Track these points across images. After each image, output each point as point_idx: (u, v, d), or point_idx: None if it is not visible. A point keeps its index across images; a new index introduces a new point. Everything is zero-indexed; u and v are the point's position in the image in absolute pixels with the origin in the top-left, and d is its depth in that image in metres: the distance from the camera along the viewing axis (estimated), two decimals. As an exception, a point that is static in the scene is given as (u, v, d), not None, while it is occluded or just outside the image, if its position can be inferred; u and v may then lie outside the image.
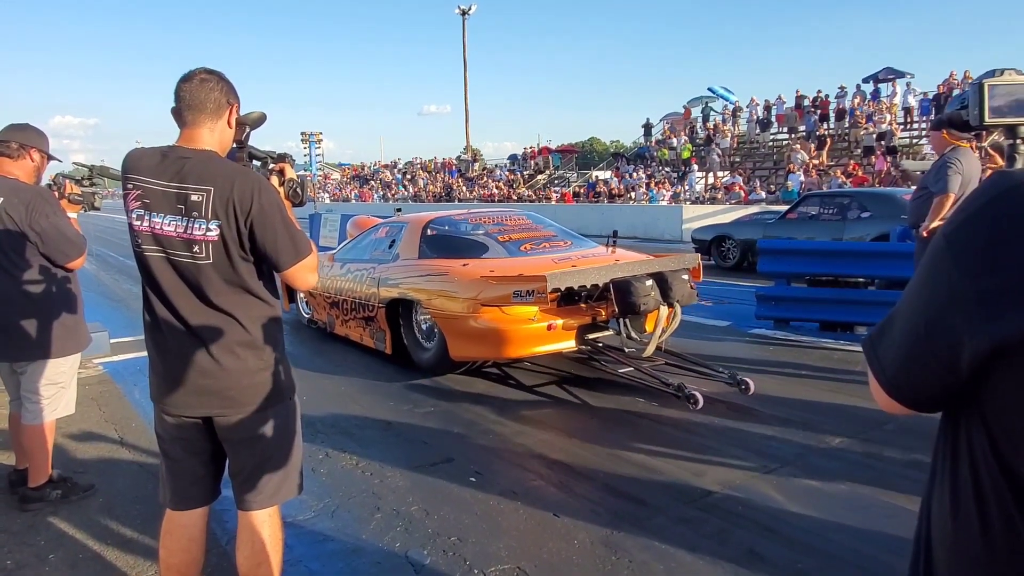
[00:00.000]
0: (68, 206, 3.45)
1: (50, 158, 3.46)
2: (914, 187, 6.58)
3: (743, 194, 21.57)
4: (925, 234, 5.16)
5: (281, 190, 2.24)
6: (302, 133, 28.25)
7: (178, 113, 2.07)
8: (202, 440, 2.15)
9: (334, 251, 7.16)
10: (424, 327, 5.53)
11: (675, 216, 19.35)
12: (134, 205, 2.01)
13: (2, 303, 3.15)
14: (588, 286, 4.73)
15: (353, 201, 39.57)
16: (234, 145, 2.23)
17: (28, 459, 3.42)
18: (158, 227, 1.98)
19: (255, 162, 2.37)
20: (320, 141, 30.83)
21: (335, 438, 4.23)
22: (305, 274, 2.12)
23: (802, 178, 21.28)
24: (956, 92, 23.23)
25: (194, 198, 1.96)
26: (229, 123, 2.13)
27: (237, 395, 2.06)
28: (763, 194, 21.60)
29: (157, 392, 2.13)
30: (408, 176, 40.56)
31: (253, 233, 1.98)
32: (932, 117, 23.87)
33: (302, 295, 7.43)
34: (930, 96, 23.95)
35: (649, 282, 4.71)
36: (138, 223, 2.00)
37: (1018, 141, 1.10)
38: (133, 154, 2.10)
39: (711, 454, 3.78)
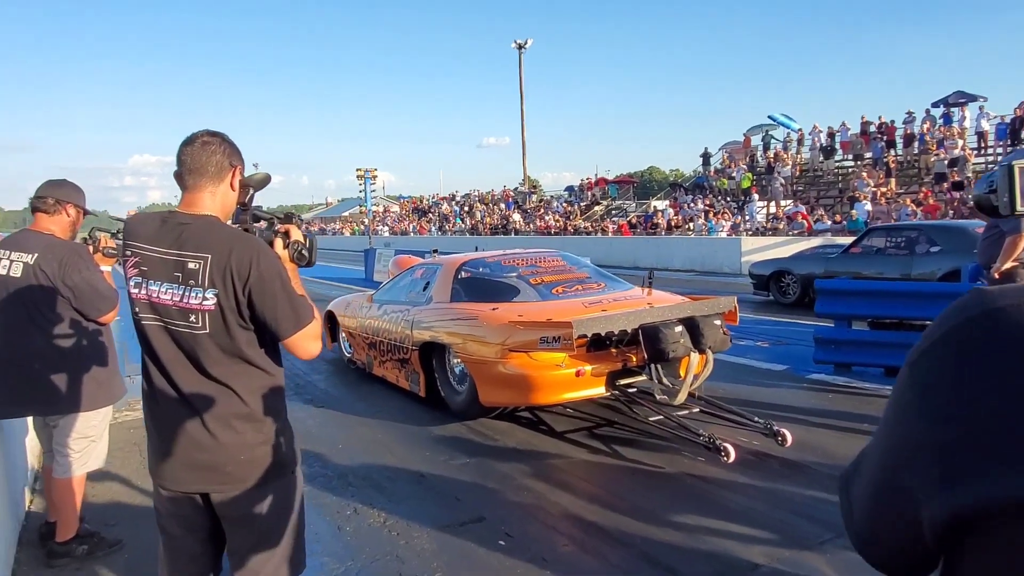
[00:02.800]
0: (102, 260, 3.48)
1: (86, 212, 3.51)
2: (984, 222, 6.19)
3: (807, 224, 20.90)
4: (997, 276, 4.80)
5: (285, 253, 2.16)
6: (357, 169, 28.67)
7: (179, 177, 2.03)
8: (199, 517, 2.06)
9: (374, 291, 7.16)
10: (457, 371, 5.44)
11: (734, 248, 18.87)
12: (132, 273, 1.97)
13: (34, 358, 3.17)
14: (617, 332, 4.56)
15: (411, 234, 40.16)
16: (238, 207, 2.17)
17: (57, 512, 3.42)
18: (155, 295, 1.93)
19: (260, 223, 2.30)
20: (375, 177, 31.33)
21: (366, 492, 4.12)
22: (307, 343, 2.03)
23: (868, 207, 20.54)
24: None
25: (191, 266, 1.90)
26: (232, 186, 2.07)
27: (234, 470, 1.97)
28: (828, 223, 20.88)
29: (153, 465, 2.05)
30: (466, 208, 40.94)
31: (252, 301, 1.91)
32: (1008, 142, 22.87)
33: (343, 333, 7.44)
34: (1007, 120, 22.88)
35: (679, 328, 4.52)
36: (136, 291, 1.96)
37: None
38: (133, 220, 2.06)
39: (758, 519, 3.51)
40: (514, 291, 5.48)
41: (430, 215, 43.57)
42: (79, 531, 3.41)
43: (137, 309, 1.97)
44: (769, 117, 30.50)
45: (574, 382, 4.61)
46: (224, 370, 1.95)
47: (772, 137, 30.35)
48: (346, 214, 63.09)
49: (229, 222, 2.10)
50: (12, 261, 3.17)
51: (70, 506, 3.37)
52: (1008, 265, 4.74)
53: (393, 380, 6.26)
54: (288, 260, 2.17)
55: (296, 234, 2.22)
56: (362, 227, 43.72)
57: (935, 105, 25.12)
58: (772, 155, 28.71)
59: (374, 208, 43.49)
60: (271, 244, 2.15)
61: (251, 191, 2.21)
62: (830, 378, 6.16)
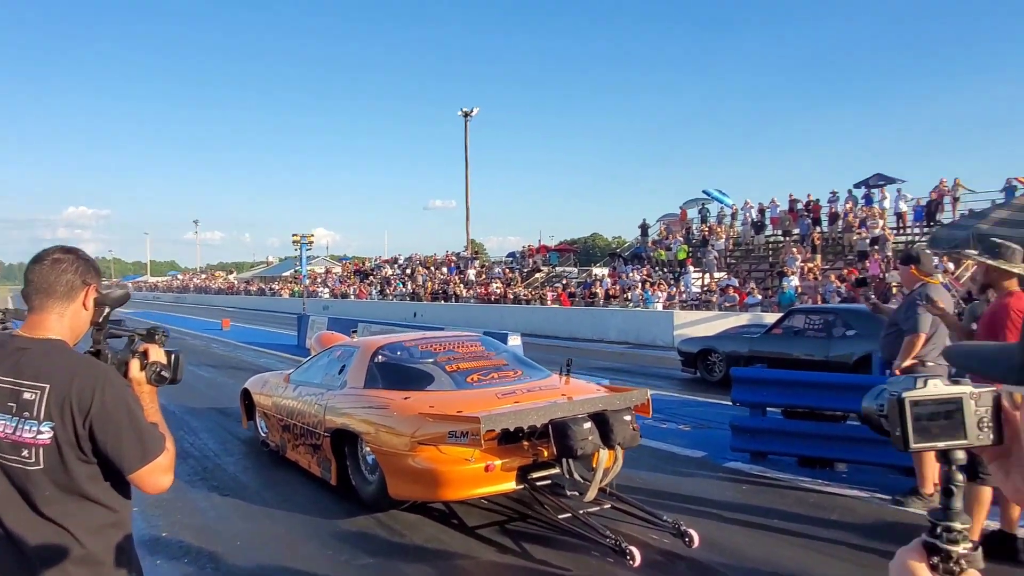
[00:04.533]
0: None
1: None
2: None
3: (739, 297, 21.49)
4: (898, 372, 4.95)
5: (142, 375, 2.04)
6: (294, 235, 28.37)
7: (26, 297, 1.91)
8: None
9: (291, 371, 6.95)
10: (368, 460, 5.26)
11: (667, 321, 19.18)
12: None
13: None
14: (527, 426, 4.49)
15: (352, 298, 39.65)
16: (92, 327, 2.05)
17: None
18: None
19: (114, 341, 2.17)
20: (312, 243, 31.06)
21: (256, 599, 3.88)
22: (154, 477, 1.88)
23: (796, 282, 21.25)
24: (947, 199, 23.58)
25: (27, 396, 1.76)
26: (85, 305, 1.95)
27: None
28: (759, 296, 21.51)
29: None
30: (408, 272, 40.80)
31: (93, 435, 1.77)
32: (924, 223, 24.19)
33: (259, 412, 7.18)
34: (923, 203, 24.24)
35: (588, 424, 4.47)
36: None
37: (952, 468, 0.89)
38: None
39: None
40: (429, 379, 5.39)
41: (372, 278, 43.20)
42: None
43: None
44: (704, 192, 31.60)
45: (484, 477, 4.49)
46: (59, 509, 1.80)
47: (707, 211, 31.40)
48: (286, 274, 62.06)
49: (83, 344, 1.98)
50: None
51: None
52: (908, 363, 4.90)
53: (305, 466, 6.02)
54: (145, 383, 2.05)
55: (156, 354, 2.10)
56: (302, 288, 43.11)
57: (857, 186, 26.48)
58: (707, 228, 29.65)
59: (312, 269, 43.03)
60: (126, 365, 2.03)
61: (107, 309, 2.10)
62: (746, 467, 6.18)
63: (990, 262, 4.12)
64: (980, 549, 0.88)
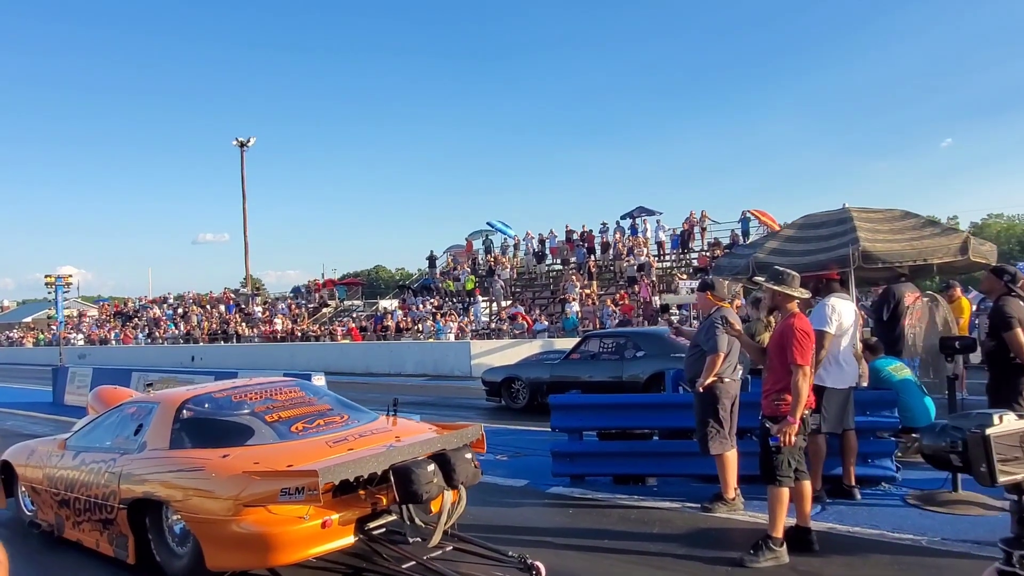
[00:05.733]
0: None
1: None
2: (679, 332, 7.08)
3: (527, 323, 22.45)
4: (701, 389, 5.44)
5: None
6: (46, 276, 24.89)
7: None
8: None
9: (67, 436, 6.03)
10: (176, 530, 4.68)
11: (464, 352, 19.49)
12: None
13: None
14: (366, 475, 4.30)
15: (113, 343, 35.53)
16: None
17: None
18: None
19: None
20: (69, 285, 27.55)
21: None
22: None
23: (577, 307, 22.70)
24: (696, 229, 26.64)
25: None
26: None
27: None
28: (546, 323, 22.65)
29: None
30: (180, 312, 37.47)
31: None
32: (680, 250, 27.11)
33: (23, 487, 6.13)
34: (678, 232, 27.18)
35: (431, 467, 4.37)
36: None
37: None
38: None
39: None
40: (248, 432, 4.93)
41: (136, 320, 39.06)
42: None
43: None
44: (488, 223, 32.75)
45: (320, 535, 4.19)
46: None
47: (491, 242, 32.55)
48: (29, 320, 54.09)
49: None
50: None
51: None
52: (710, 380, 5.40)
53: (92, 545, 5.19)
54: None
55: None
56: (49, 336, 37.77)
57: (623, 217, 29.06)
58: (492, 259, 30.72)
59: (66, 312, 38.03)
60: None
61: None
62: (567, 490, 6.42)
63: (776, 287, 4.69)
64: None
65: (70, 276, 26.58)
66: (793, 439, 4.37)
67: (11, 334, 47.85)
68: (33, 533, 5.92)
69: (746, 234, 24.34)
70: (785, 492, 4.51)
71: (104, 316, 44.11)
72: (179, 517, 4.55)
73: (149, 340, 34.72)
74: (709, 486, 5.90)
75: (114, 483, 4.92)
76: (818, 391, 5.20)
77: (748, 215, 25.29)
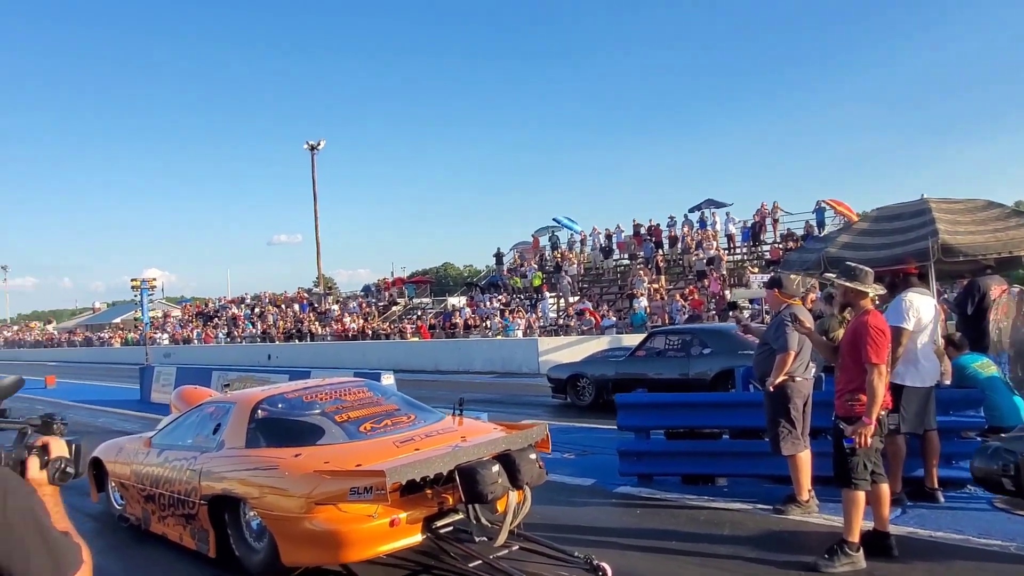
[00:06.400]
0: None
1: None
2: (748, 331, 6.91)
3: (595, 320, 22.33)
4: (772, 388, 5.30)
5: (43, 475, 1.75)
6: (132, 280, 26.09)
7: None
8: None
9: (151, 434, 6.33)
10: (254, 526, 4.86)
11: (531, 349, 19.52)
12: None
13: None
14: (432, 475, 4.36)
15: (195, 343, 37.12)
16: None
17: None
18: None
19: (4, 434, 1.87)
20: (153, 288, 28.86)
21: None
22: None
23: (645, 302, 22.43)
24: (768, 220, 25.92)
25: None
26: None
27: None
28: (614, 319, 22.47)
29: None
30: (257, 312, 38.83)
31: None
32: (751, 243, 26.44)
33: (113, 483, 6.47)
34: (748, 225, 26.51)
35: (496, 467, 4.40)
36: None
37: None
38: None
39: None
40: (319, 432, 5.09)
41: (217, 320, 40.70)
42: None
43: None
44: (554, 219, 32.67)
45: (389, 533, 4.28)
46: None
47: (558, 238, 32.49)
48: (118, 321, 57.02)
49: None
50: None
51: None
52: (780, 379, 5.25)
53: (176, 539, 5.46)
54: (47, 483, 1.76)
55: (58, 447, 1.81)
56: (136, 336, 39.73)
57: (691, 211, 28.57)
58: (559, 255, 30.67)
59: (151, 313, 39.89)
60: (23, 464, 1.74)
61: (-3, 400, 1.80)
62: (635, 490, 6.36)
63: (848, 284, 4.52)
64: None
65: (154, 279, 27.81)
66: (868, 440, 4.21)
67: (102, 335, 50.56)
68: (122, 526, 6.25)
69: (821, 225, 23.54)
70: (861, 495, 4.35)
71: (187, 316, 46.13)
72: (255, 513, 4.72)
73: (228, 339, 36.11)
74: (782, 487, 5.75)
75: (195, 480, 5.15)
76: (896, 390, 5.00)
77: (823, 205, 24.38)
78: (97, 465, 6.70)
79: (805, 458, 5.34)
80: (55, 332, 62.23)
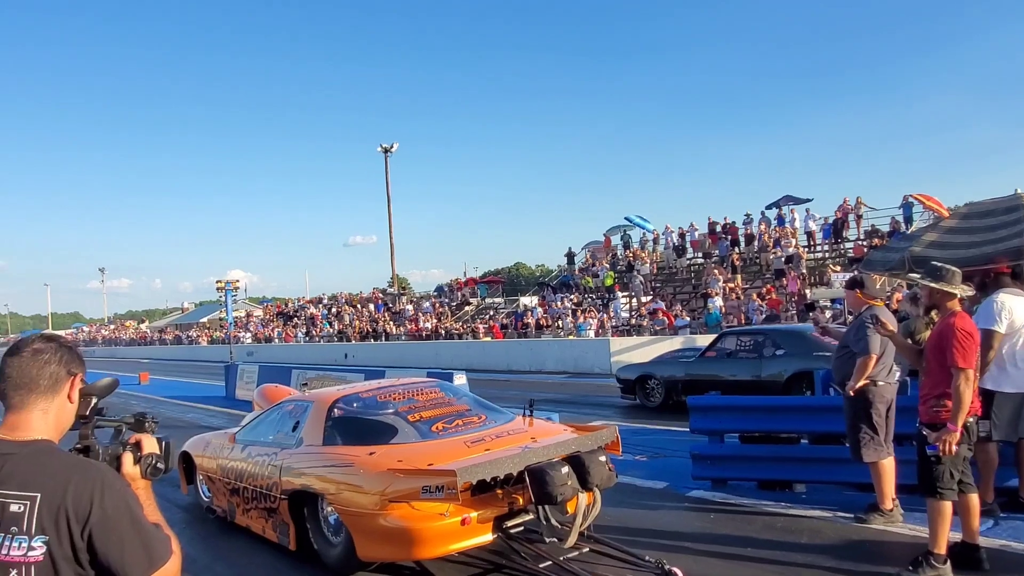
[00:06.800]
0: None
1: None
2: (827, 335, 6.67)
3: (668, 320, 21.99)
4: (852, 393, 5.12)
5: (136, 470, 1.87)
6: (217, 281, 27.31)
7: (2, 393, 1.72)
8: None
9: (235, 430, 6.61)
10: (331, 521, 5.03)
11: (603, 349, 19.40)
12: None
13: None
14: (501, 476, 4.41)
15: (276, 341, 38.47)
16: (78, 419, 1.87)
17: None
18: None
19: (102, 431, 1.99)
20: (236, 289, 30.10)
21: None
22: None
23: (720, 302, 21.92)
24: (851, 216, 24.90)
25: (13, 508, 1.57)
26: (70, 397, 1.79)
27: None
28: (688, 319, 22.07)
29: None
30: (334, 312, 39.94)
31: (93, 545, 1.59)
32: (832, 240, 25.47)
33: (200, 476, 6.78)
34: (829, 221, 25.54)
35: (565, 469, 4.41)
36: None
37: None
38: None
39: None
40: (392, 431, 5.21)
41: (296, 319, 42.07)
42: None
43: None
44: (626, 218, 32.35)
45: (460, 531, 4.35)
46: None
47: (630, 237, 32.15)
48: (204, 320, 59.68)
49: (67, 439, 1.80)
50: None
51: None
52: (861, 383, 5.06)
53: (259, 531, 5.69)
54: (140, 477, 1.88)
55: (150, 444, 1.93)
56: (221, 335, 41.47)
57: (768, 207, 27.71)
58: (631, 254, 30.34)
59: (235, 313, 41.59)
60: (118, 459, 1.87)
61: (93, 400, 1.93)
62: (709, 494, 6.24)
63: (933, 285, 4.31)
64: None
65: (237, 281, 29.14)
66: (954, 448, 4.01)
67: (190, 333, 53.01)
68: (209, 518, 6.55)
69: (909, 221, 22.47)
70: (947, 505, 4.15)
71: (268, 316, 47.84)
72: (332, 509, 4.88)
73: (307, 338, 37.27)
74: (864, 495, 5.54)
75: (276, 475, 5.36)
76: (987, 395, 4.75)
77: (911, 200, 23.24)
78: (186, 459, 7.04)
79: (888, 465, 5.13)
80: (147, 331, 65.63)
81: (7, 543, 1.56)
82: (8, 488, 1.58)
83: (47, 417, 1.73)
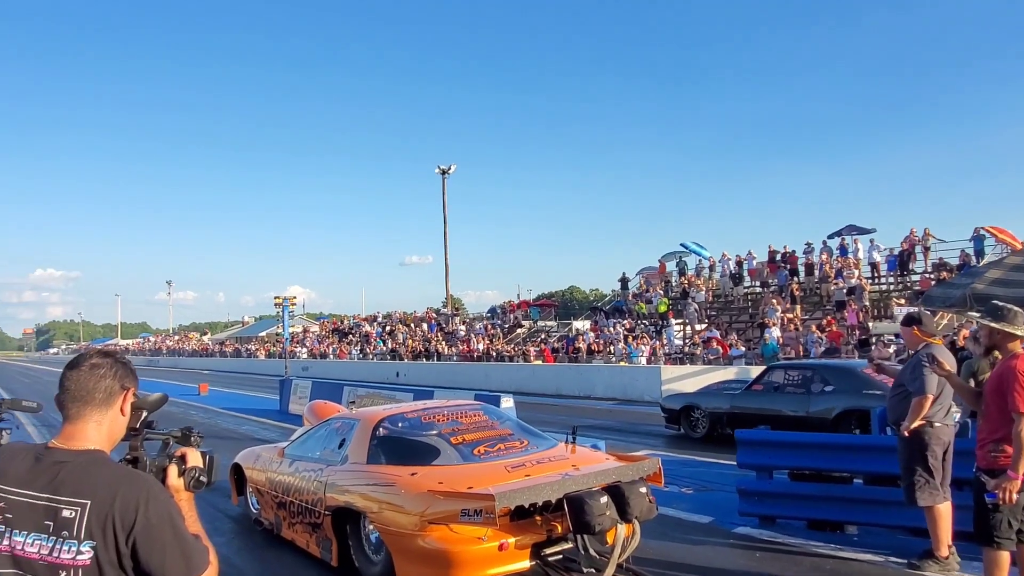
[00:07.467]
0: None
1: None
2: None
3: (722, 349, 21.55)
4: (907, 434, 4.94)
5: (180, 482, 1.96)
6: (276, 297, 28.11)
7: (60, 404, 1.83)
8: None
9: (285, 444, 6.76)
10: (372, 539, 5.09)
11: (654, 377, 19.13)
12: None
13: None
14: (540, 502, 4.39)
15: (331, 357, 39.17)
16: (128, 431, 1.97)
17: None
18: (18, 547, 1.67)
19: (151, 443, 2.10)
20: (294, 305, 30.85)
21: None
22: None
23: (778, 333, 21.40)
24: (918, 248, 24.10)
25: (66, 513, 1.67)
26: (123, 410, 1.89)
27: None
28: (743, 349, 21.61)
29: None
30: (387, 330, 40.50)
31: (136, 552, 1.68)
32: (897, 272, 24.66)
33: (250, 488, 6.95)
34: (895, 252, 24.75)
35: (604, 499, 4.37)
36: None
37: None
38: (2, 455, 1.83)
39: None
40: (435, 452, 5.26)
41: (351, 336, 42.80)
42: None
43: None
44: (682, 244, 32.01)
45: (497, 556, 4.36)
46: None
47: (685, 264, 31.75)
48: (263, 334, 61.25)
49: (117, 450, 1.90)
50: None
51: None
52: (917, 424, 4.89)
53: (303, 545, 5.80)
54: (184, 489, 1.97)
55: (194, 458, 2.02)
56: (278, 349, 42.46)
57: (831, 237, 27.01)
58: (686, 281, 29.94)
59: (292, 328, 42.57)
60: (164, 471, 1.96)
61: (144, 414, 2.03)
62: (756, 532, 6.08)
63: (994, 325, 4.15)
64: None
65: (295, 297, 29.77)
66: (1014, 497, 3.83)
67: (249, 347, 54.43)
68: (257, 529, 6.70)
69: (980, 254, 21.64)
70: (1005, 555, 3.96)
71: (324, 332, 48.79)
72: (374, 527, 4.95)
73: (360, 355, 37.84)
74: (919, 540, 5.32)
75: (321, 491, 5.46)
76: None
77: (982, 232, 22.45)
78: (237, 470, 7.23)
79: (945, 511, 4.92)
80: (209, 343, 67.69)
81: (58, 546, 1.66)
82: (62, 494, 1.68)
83: (101, 428, 1.83)
